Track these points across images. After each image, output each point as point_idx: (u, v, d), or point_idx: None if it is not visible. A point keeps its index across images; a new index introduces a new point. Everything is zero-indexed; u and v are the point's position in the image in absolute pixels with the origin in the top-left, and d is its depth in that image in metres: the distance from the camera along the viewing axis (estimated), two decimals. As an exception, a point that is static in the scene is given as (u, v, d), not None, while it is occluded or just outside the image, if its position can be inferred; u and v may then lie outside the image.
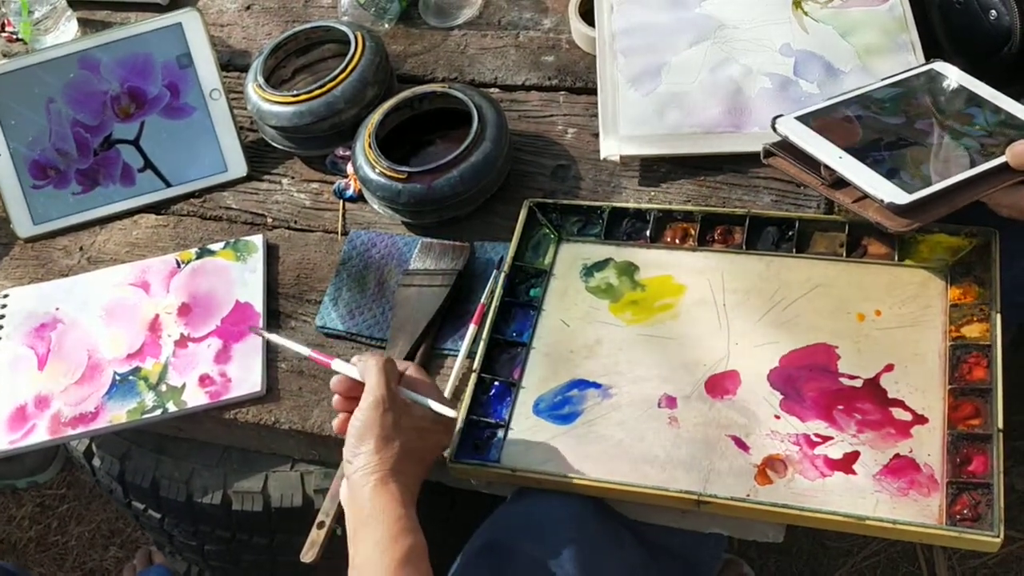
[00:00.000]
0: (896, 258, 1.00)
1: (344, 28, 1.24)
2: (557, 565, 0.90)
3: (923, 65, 1.07)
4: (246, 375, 1.06)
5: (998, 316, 0.93)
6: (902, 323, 0.96)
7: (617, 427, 0.94)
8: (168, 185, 1.26)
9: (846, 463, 0.88)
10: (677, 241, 1.07)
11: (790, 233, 1.04)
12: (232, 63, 1.40)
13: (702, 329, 1.00)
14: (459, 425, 0.96)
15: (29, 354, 1.13)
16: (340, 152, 1.23)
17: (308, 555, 0.93)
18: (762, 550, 1.52)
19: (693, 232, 1.07)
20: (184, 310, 1.13)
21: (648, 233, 1.08)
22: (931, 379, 0.92)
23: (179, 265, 1.17)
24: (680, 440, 0.92)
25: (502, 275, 1.06)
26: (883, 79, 1.06)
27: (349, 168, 1.20)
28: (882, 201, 0.91)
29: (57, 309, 1.16)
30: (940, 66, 1.06)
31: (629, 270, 1.06)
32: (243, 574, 1.24)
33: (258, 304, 1.12)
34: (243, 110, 1.29)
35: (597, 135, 1.16)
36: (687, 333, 1.00)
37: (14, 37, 1.49)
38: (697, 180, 1.13)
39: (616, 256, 1.07)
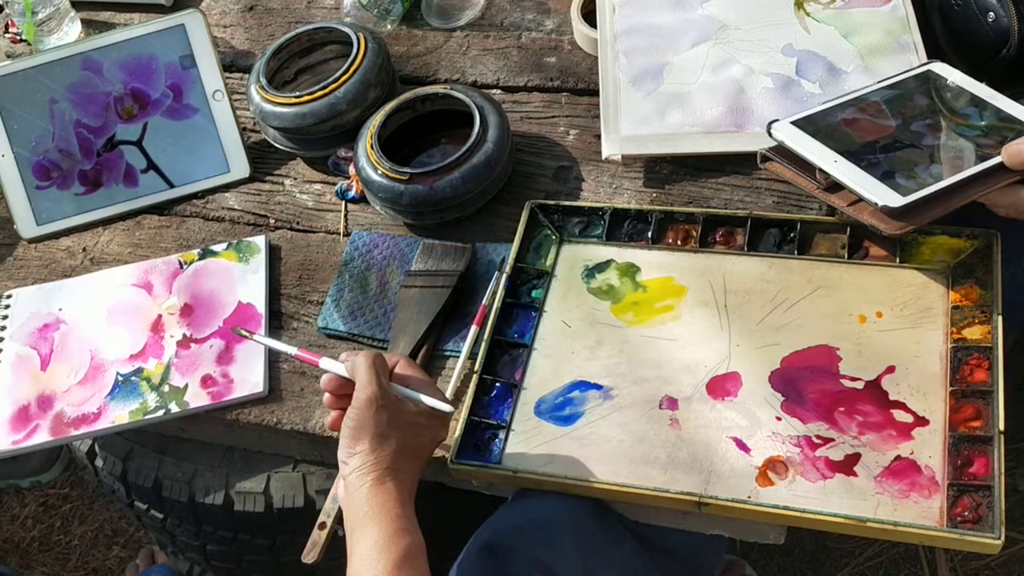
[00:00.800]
0: (898, 260, 1.00)
1: (346, 29, 1.24)
2: (557, 566, 0.91)
3: (920, 66, 1.07)
4: (248, 376, 1.06)
5: (1000, 318, 0.93)
6: (903, 325, 0.96)
7: (618, 428, 0.94)
8: (171, 186, 1.26)
9: (847, 465, 0.88)
10: (679, 242, 1.07)
11: (792, 235, 1.04)
12: (235, 64, 1.41)
13: (703, 331, 1.00)
14: (460, 426, 0.96)
15: (32, 354, 1.13)
16: (342, 153, 1.23)
17: (309, 556, 0.93)
18: (764, 551, 1.52)
19: (695, 233, 1.07)
20: (186, 311, 1.13)
21: (650, 234, 1.08)
22: (932, 381, 0.92)
23: (182, 266, 1.18)
24: (681, 441, 0.92)
25: (504, 276, 1.06)
26: (880, 81, 1.06)
27: (351, 169, 1.20)
28: (876, 204, 0.91)
29: (60, 310, 1.16)
30: (937, 67, 1.06)
31: (631, 271, 1.06)
32: (245, 574, 1.25)
33: (260, 305, 1.12)
34: (246, 111, 1.29)
35: (599, 136, 1.16)
36: (688, 335, 1.00)
37: (18, 38, 1.49)
38: (699, 182, 1.13)
39: (618, 257, 1.07)
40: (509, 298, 1.05)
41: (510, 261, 1.07)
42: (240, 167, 1.26)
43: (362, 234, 1.16)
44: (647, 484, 0.90)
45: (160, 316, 1.13)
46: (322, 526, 0.94)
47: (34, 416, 1.08)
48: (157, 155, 1.26)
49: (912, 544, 1.44)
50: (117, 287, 1.17)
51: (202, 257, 1.18)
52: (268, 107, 1.20)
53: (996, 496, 0.83)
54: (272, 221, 1.22)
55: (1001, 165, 0.93)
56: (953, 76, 1.04)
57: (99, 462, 1.18)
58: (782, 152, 0.99)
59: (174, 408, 1.06)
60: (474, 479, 0.98)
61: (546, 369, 1.00)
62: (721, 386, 0.95)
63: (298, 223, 1.21)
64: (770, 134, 1.00)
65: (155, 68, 1.27)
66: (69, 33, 1.44)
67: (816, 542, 1.53)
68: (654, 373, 0.97)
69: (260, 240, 1.18)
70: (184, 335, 1.11)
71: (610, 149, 1.13)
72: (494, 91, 1.28)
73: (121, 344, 1.12)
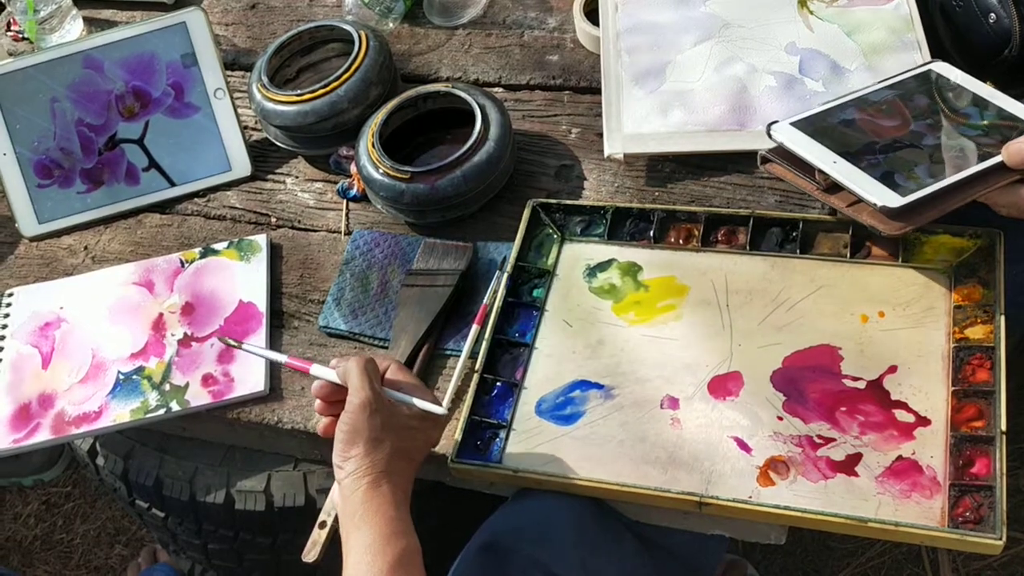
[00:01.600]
0: (900, 259, 1.00)
1: (348, 27, 1.24)
2: (557, 566, 0.90)
3: (922, 66, 1.07)
4: (249, 375, 1.06)
5: (1002, 317, 0.93)
6: (906, 324, 0.96)
7: (619, 428, 0.94)
8: (172, 184, 1.26)
9: (848, 465, 0.88)
10: (681, 242, 1.07)
11: (794, 234, 1.04)
12: (236, 62, 1.40)
13: (705, 330, 0.99)
14: (460, 426, 0.96)
15: (33, 353, 1.13)
16: (344, 152, 1.23)
17: (310, 555, 0.93)
18: (766, 551, 1.52)
19: (697, 233, 1.07)
20: (188, 309, 1.13)
21: (652, 233, 1.07)
22: (934, 381, 0.91)
23: (183, 264, 1.17)
24: (682, 441, 0.92)
25: (505, 275, 1.06)
26: (880, 81, 1.06)
27: (353, 168, 1.20)
28: (875, 205, 0.91)
29: (61, 308, 1.16)
30: (938, 66, 1.05)
31: (632, 270, 1.06)
32: (246, 573, 1.25)
33: (261, 304, 1.12)
34: (247, 109, 1.29)
35: (601, 135, 1.15)
36: (690, 334, 0.99)
37: (20, 36, 1.50)
38: (701, 181, 1.13)
39: (619, 256, 1.07)
40: (510, 297, 1.05)
41: (511, 260, 1.07)
42: (241, 166, 1.26)
43: (363, 233, 1.16)
44: (648, 484, 0.90)
45: (161, 315, 1.13)
46: (322, 525, 0.94)
47: (35, 415, 1.08)
48: (158, 154, 1.26)
49: (914, 544, 1.44)
50: (118, 286, 1.17)
51: (203, 256, 1.18)
52: (270, 105, 1.20)
53: (998, 496, 0.82)
54: (273, 220, 1.22)
55: (1001, 164, 0.92)
56: (955, 75, 1.04)
57: (100, 461, 1.18)
58: (782, 153, 0.99)
59: (175, 407, 1.06)
60: (475, 479, 0.98)
61: (547, 368, 1.00)
62: (722, 386, 0.95)
63: (299, 222, 1.21)
64: (769, 135, 1.00)
65: (156, 66, 1.27)
66: (71, 31, 1.44)
67: (818, 542, 1.53)
68: (655, 372, 0.97)
69: (261, 239, 1.18)
70: (185, 334, 1.11)
71: (612, 148, 1.13)
72: (496, 89, 1.28)
73: (122, 343, 1.12)
